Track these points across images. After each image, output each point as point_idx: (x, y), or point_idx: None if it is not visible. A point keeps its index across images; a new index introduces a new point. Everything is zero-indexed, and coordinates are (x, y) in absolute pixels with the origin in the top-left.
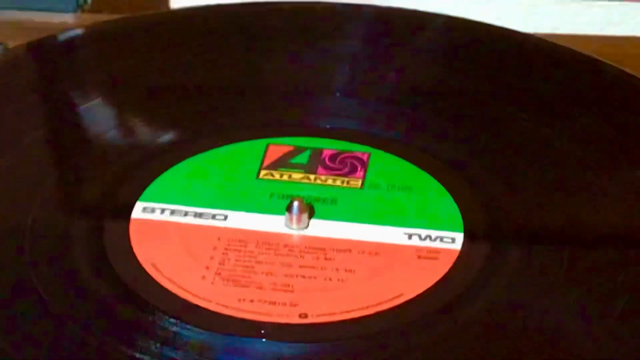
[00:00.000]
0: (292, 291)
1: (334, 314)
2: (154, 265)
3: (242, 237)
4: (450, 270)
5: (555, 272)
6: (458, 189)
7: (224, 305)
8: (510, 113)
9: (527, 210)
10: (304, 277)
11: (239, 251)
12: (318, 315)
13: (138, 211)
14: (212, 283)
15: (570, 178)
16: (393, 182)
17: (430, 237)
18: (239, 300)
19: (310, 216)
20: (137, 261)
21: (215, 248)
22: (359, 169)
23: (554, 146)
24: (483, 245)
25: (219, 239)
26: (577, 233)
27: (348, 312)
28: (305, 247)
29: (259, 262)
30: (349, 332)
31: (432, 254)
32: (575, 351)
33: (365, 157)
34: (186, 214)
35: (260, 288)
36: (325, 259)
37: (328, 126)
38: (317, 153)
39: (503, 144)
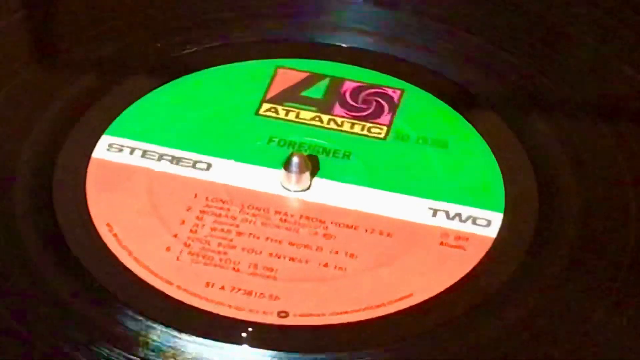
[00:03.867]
0: (274, 278)
1: (322, 315)
2: (109, 226)
3: (225, 196)
4: (478, 265)
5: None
6: (508, 150)
7: (186, 290)
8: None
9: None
10: (293, 259)
11: (218, 216)
12: (302, 316)
13: (102, 148)
14: (178, 258)
15: None
16: (426, 132)
17: (460, 216)
18: (207, 284)
19: (314, 174)
20: (90, 219)
21: (189, 209)
22: (386, 111)
23: None
24: (527, 235)
25: (195, 196)
26: None
27: (340, 314)
28: (302, 217)
29: (240, 234)
30: (338, 341)
31: (459, 241)
32: None
33: (396, 96)
34: (161, 157)
35: (236, 270)
36: (325, 235)
37: (356, 46)
38: (337, 84)
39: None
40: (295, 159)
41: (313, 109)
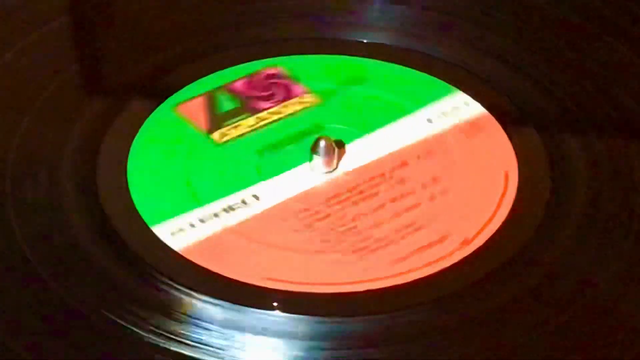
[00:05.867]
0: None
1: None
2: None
3: (300, 205)
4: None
5: None
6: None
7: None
8: None
9: None
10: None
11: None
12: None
13: (169, 238)
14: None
15: None
16: (339, 79)
17: (444, 113)
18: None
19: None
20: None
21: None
22: (288, 85)
23: None
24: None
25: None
26: None
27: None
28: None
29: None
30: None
31: (472, 127)
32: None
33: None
34: (216, 214)
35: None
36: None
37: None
38: (230, 89)
39: None
40: (322, 143)
41: (245, 115)
